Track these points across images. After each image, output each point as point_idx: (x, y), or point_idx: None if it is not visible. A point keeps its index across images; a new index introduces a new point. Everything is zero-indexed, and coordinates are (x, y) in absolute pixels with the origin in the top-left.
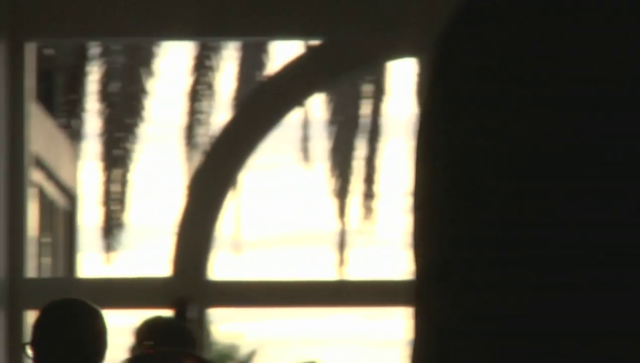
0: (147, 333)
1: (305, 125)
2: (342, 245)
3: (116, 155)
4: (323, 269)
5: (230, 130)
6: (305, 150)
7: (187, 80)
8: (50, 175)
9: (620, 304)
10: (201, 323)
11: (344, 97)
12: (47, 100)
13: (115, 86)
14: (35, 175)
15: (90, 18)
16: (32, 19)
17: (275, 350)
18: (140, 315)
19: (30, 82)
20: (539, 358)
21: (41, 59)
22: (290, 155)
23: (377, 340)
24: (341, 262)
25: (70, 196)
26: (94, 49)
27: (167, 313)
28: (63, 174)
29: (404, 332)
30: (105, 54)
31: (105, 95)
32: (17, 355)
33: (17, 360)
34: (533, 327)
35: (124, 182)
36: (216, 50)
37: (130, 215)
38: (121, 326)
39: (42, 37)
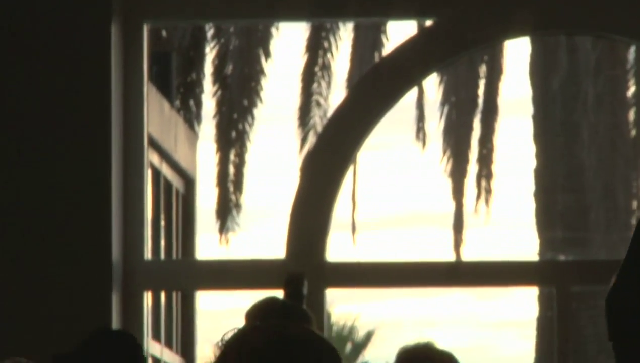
0: (259, 315)
1: (420, 105)
2: (458, 226)
3: (232, 137)
4: (439, 250)
5: (344, 111)
6: (420, 131)
7: (302, 61)
8: (166, 157)
9: None
10: (318, 305)
11: (459, 77)
12: (162, 82)
13: (230, 68)
14: (151, 158)
15: None
16: (148, 1)
17: (392, 332)
18: (254, 297)
19: (146, 64)
20: None
21: (156, 40)
22: (406, 136)
23: (492, 321)
24: (457, 242)
25: (187, 178)
26: (210, 30)
27: (280, 294)
28: (179, 156)
29: (521, 312)
30: (220, 36)
31: (220, 77)
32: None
33: None
34: None
35: (239, 164)
36: (331, 31)
37: (246, 197)
38: (235, 307)
39: (157, 18)
